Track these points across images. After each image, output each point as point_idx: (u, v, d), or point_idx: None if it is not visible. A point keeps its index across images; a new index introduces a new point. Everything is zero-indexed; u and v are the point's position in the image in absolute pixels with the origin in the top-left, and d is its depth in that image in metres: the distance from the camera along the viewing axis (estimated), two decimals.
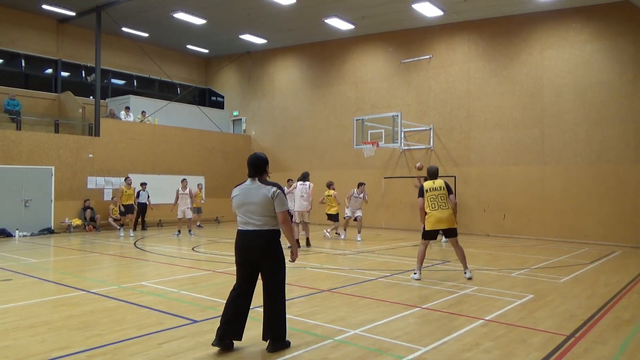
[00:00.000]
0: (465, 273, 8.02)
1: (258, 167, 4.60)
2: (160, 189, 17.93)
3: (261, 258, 4.44)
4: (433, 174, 8.19)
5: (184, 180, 15.45)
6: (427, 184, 8.06)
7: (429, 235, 8.06)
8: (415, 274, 7.99)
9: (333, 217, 14.05)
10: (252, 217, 4.46)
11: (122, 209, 15.73)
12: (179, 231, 15.22)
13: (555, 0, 14.14)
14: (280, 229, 4.53)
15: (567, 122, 14.43)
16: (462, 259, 8.08)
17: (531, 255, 11.26)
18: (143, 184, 16.94)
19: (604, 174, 13.78)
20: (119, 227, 16.64)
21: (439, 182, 8.07)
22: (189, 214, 15.19)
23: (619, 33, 13.72)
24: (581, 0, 13.99)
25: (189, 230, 15.35)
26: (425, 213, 7.95)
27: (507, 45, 15.64)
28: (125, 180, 15.59)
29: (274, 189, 4.47)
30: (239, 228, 4.56)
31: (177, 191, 15.25)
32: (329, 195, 14.12)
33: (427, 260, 10.15)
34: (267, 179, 4.65)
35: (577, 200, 14.14)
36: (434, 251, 11.70)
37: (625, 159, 13.49)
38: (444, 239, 12.84)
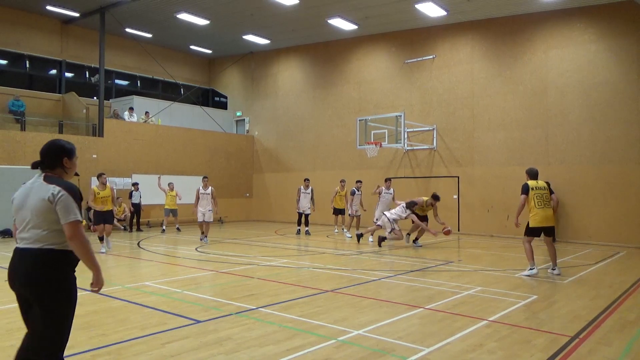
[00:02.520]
0: (553, 270, 8.41)
1: (48, 157, 3.14)
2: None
3: (27, 289, 2.97)
4: (535, 175, 8.51)
5: (205, 179, 13.56)
6: (532, 183, 8.38)
7: (534, 233, 8.31)
8: (531, 269, 8.26)
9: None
10: (25, 228, 3.04)
11: (90, 216, 13.35)
12: (205, 236, 13.29)
13: (559, 0, 14.10)
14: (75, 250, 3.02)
15: (571, 122, 14.38)
16: (554, 256, 8.45)
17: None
18: (135, 184, 16.82)
19: (608, 174, 13.72)
20: (122, 227, 16.69)
21: (542, 183, 8.46)
22: (210, 217, 13.17)
23: (624, 33, 13.66)
24: (585, 0, 13.94)
25: (203, 236, 13.28)
26: (523, 210, 8.29)
27: (511, 45, 15.60)
28: (98, 178, 11.53)
29: (57, 189, 2.99)
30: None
31: (198, 190, 13.28)
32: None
33: (431, 261, 10.14)
34: (65, 177, 3.19)
35: (581, 200, 14.09)
36: (436, 252, 11.67)
37: (630, 159, 13.43)
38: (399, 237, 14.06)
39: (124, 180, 17.64)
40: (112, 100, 20.39)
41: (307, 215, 15.45)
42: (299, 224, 15.59)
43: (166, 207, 16.73)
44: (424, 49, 17.43)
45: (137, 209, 16.82)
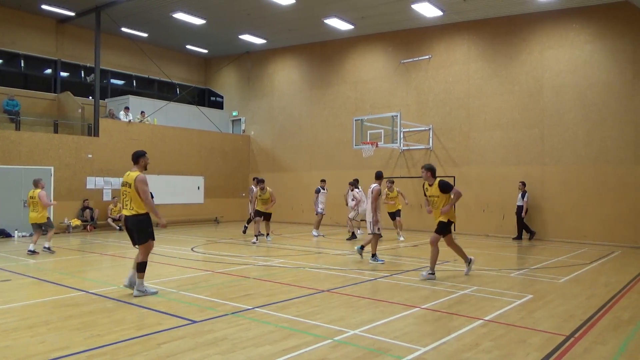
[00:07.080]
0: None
1: None
2: (160, 189, 17.91)
3: None
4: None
5: (261, 182, 13.39)
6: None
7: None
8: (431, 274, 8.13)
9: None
10: None
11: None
12: (257, 236, 13.10)
13: (555, 1, 14.15)
14: None
15: (567, 122, 14.44)
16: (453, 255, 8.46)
17: (530, 256, 11.27)
18: None
19: (603, 174, 13.78)
20: (118, 227, 16.64)
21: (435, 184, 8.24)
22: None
23: (619, 33, 13.73)
24: (581, 1, 14.00)
25: (267, 235, 13.59)
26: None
27: (506, 46, 15.64)
28: (258, 184, 13.35)
29: None
30: None
31: (254, 193, 13.50)
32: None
33: (427, 260, 10.14)
34: None
35: (577, 200, 14.14)
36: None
37: (625, 159, 13.50)
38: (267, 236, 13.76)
39: (119, 180, 17.56)
40: (108, 100, 20.32)
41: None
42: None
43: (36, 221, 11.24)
44: (420, 49, 17.46)
45: None
